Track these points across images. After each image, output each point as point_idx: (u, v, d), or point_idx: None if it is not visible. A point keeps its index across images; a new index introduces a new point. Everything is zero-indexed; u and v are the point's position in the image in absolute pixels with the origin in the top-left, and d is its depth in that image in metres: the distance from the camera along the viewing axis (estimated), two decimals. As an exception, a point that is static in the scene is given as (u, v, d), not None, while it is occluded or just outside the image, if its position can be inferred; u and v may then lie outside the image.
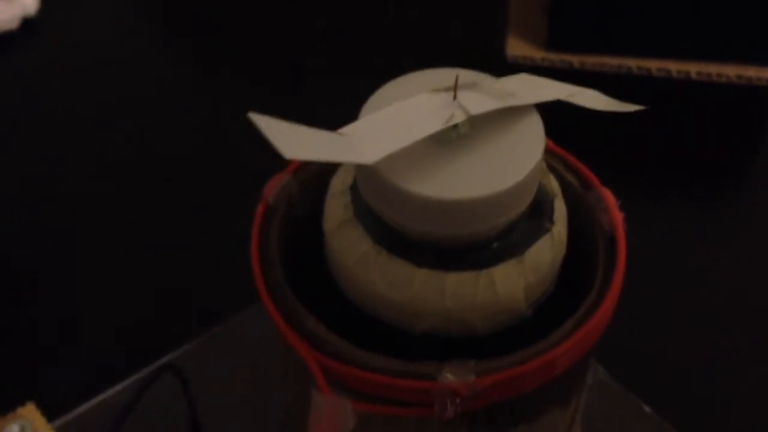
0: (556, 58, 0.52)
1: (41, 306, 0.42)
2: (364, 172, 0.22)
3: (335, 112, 0.23)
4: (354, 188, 0.23)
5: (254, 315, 0.33)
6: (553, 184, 0.24)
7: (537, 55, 0.53)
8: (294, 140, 0.20)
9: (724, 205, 0.48)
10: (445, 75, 0.23)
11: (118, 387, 0.36)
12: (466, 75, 0.23)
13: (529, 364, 0.21)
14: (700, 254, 0.44)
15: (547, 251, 0.22)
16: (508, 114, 0.22)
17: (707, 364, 0.40)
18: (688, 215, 0.46)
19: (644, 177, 0.48)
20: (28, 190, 0.48)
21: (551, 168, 0.25)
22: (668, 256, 0.44)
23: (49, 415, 0.34)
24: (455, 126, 0.21)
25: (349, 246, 0.22)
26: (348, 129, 0.21)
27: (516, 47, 0.53)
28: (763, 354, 0.40)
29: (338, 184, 0.24)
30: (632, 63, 0.52)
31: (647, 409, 0.35)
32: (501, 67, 0.51)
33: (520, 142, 0.22)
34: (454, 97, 0.22)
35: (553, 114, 0.24)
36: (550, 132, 0.23)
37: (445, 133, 0.21)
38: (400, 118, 0.21)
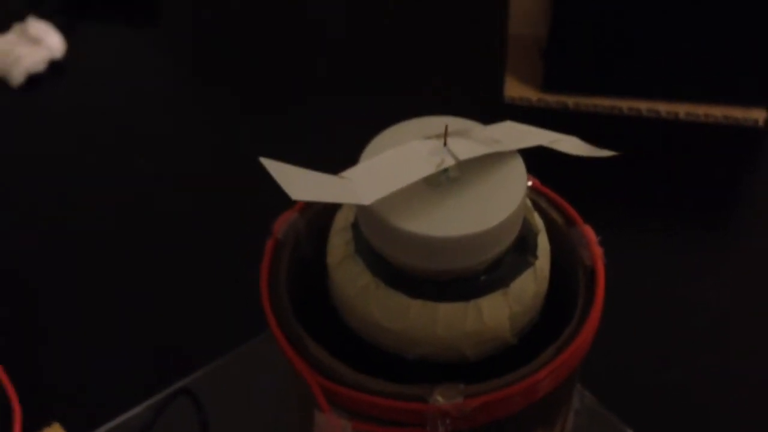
0: (551, 99, 0.55)
1: (67, 334, 0.44)
2: (363, 212, 0.24)
3: (338, 151, 0.25)
4: (355, 225, 0.25)
5: (264, 342, 0.35)
6: (537, 221, 0.26)
7: (533, 96, 0.55)
8: (300, 183, 0.22)
9: (714, 241, 0.49)
10: (436, 123, 0.25)
11: (137, 409, 0.38)
12: (455, 123, 0.25)
13: (514, 387, 0.23)
14: (685, 284, 0.46)
15: (530, 284, 0.24)
16: (494, 159, 0.24)
17: (692, 390, 0.41)
18: (676, 248, 0.48)
19: (631, 214, 0.50)
20: (54, 225, 0.50)
21: (536, 205, 0.27)
22: (655, 288, 0.45)
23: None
24: (446, 170, 0.23)
25: (350, 279, 0.24)
26: (348, 173, 0.23)
27: (513, 89, 0.55)
28: (746, 379, 0.42)
29: (341, 220, 0.26)
30: (623, 104, 0.54)
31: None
32: (499, 107, 0.54)
33: (505, 184, 0.24)
34: (445, 144, 0.24)
35: (543, 152, 0.25)
36: (537, 170, 0.25)
37: (436, 176, 0.23)
38: (396, 162, 0.23)
